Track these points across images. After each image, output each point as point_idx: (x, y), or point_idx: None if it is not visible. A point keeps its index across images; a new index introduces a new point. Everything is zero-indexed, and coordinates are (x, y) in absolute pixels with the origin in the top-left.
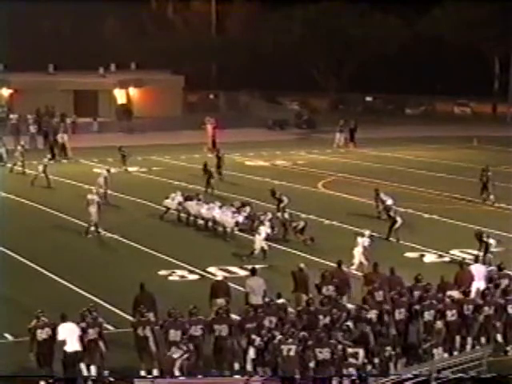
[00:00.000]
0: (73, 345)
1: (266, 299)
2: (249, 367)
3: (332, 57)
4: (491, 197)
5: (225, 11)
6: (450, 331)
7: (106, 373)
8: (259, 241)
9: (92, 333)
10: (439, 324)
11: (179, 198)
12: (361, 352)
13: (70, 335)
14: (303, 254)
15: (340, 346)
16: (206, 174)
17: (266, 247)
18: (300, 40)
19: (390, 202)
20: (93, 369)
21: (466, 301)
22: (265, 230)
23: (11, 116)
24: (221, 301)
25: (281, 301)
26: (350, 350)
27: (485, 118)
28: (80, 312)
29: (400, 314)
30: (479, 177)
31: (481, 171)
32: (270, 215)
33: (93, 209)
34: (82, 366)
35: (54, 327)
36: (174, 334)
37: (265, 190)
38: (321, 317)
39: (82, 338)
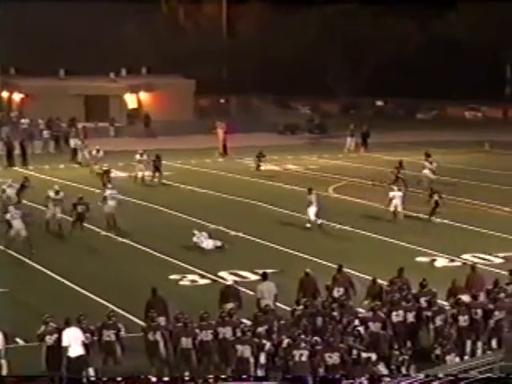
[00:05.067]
0: (76, 350)
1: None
2: (259, 372)
3: (344, 61)
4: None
5: (236, 15)
6: (460, 336)
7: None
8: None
9: (107, 334)
10: (450, 329)
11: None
12: (381, 368)
13: (73, 340)
14: (313, 259)
15: (355, 351)
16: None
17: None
18: (312, 44)
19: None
20: (91, 371)
21: (475, 305)
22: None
23: (22, 121)
24: (230, 305)
25: (300, 307)
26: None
27: (496, 123)
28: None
29: (398, 317)
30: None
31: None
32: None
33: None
34: (90, 370)
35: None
36: (186, 342)
37: (276, 194)
38: (319, 319)
39: (97, 341)
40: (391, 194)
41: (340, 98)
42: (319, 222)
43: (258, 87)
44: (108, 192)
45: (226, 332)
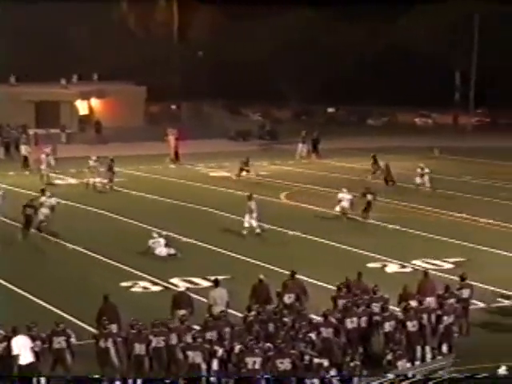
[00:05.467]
0: (26, 357)
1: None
2: (212, 379)
3: (296, 67)
4: None
5: (188, 21)
6: (410, 342)
7: None
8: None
9: (57, 341)
10: (400, 335)
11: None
12: (332, 372)
13: (23, 348)
14: (265, 265)
15: (307, 357)
16: None
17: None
18: (264, 50)
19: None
20: (42, 379)
21: (422, 310)
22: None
23: None
24: (183, 312)
25: (252, 313)
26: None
27: (446, 129)
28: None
29: (352, 323)
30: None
31: None
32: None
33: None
34: (42, 379)
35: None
36: (139, 348)
37: (227, 200)
38: (271, 325)
39: (48, 349)
40: (340, 195)
41: (292, 105)
42: (251, 227)
43: (210, 93)
44: (43, 199)
45: (172, 339)
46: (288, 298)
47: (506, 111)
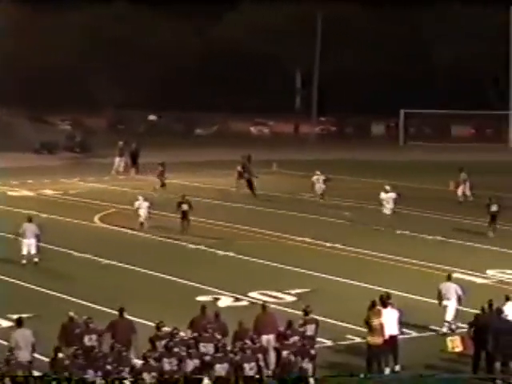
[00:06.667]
0: None
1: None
2: None
3: (110, 69)
4: None
5: None
6: None
7: None
8: None
9: None
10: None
11: None
12: None
13: None
14: (78, 300)
15: None
16: None
17: None
18: (73, 49)
19: None
20: None
21: (259, 350)
22: None
23: None
24: None
25: (61, 355)
26: None
27: (285, 139)
28: None
29: (170, 365)
30: None
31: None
32: None
33: None
34: None
35: None
36: None
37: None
38: (90, 372)
39: None
40: (136, 203)
41: (106, 112)
42: (35, 259)
43: (7, 99)
44: None
45: None
46: (88, 340)
47: (354, 118)
